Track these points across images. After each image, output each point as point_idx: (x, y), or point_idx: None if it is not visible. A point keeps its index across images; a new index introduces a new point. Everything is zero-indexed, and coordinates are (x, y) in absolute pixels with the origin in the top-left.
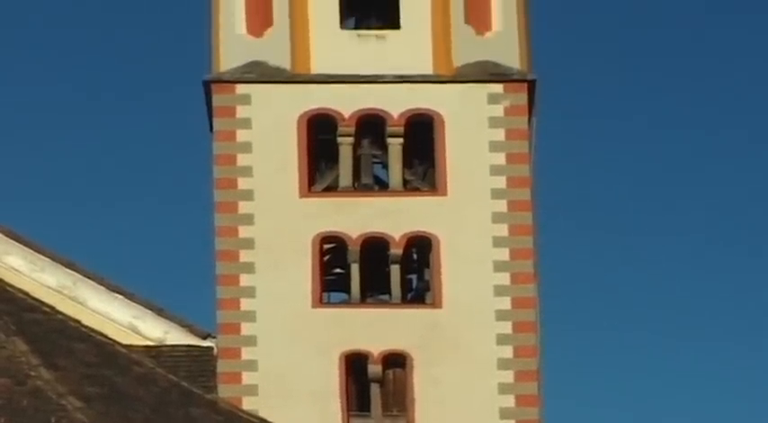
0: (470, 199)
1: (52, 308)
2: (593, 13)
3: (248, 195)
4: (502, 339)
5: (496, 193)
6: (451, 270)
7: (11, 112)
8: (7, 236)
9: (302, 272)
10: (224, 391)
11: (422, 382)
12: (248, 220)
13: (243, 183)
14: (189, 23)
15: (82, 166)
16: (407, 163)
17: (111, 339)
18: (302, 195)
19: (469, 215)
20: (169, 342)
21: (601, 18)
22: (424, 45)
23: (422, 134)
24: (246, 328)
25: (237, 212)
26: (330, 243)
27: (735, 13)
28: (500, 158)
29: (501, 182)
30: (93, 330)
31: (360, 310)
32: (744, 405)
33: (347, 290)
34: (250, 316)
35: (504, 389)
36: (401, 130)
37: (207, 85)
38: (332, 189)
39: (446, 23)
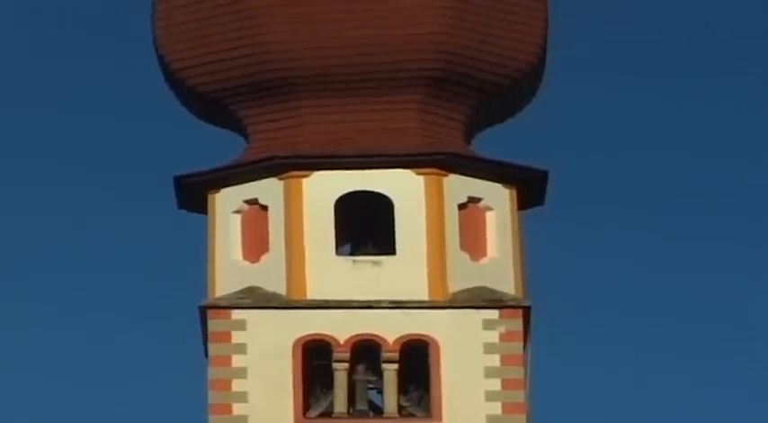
0: None
1: None
2: (588, 239)
3: (243, 421)
4: None
5: (492, 420)
6: None
7: (11, 349)
8: None
9: None
10: None
11: None
12: None
13: (238, 408)
14: (184, 249)
15: (74, 392)
16: (403, 388)
17: None
18: (297, 421)
19: None
20: None
21: (595, 247)
22: (420, 271)
23: (417, 359)
24: None
25: None
26: None
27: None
28: (495, 384)
29: (497, 408)
30: None
31: None
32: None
33: None
34: None
35: None
36: (396, 355)
37: (202, 311)
38: (327, 415)
39: (441, 250)
